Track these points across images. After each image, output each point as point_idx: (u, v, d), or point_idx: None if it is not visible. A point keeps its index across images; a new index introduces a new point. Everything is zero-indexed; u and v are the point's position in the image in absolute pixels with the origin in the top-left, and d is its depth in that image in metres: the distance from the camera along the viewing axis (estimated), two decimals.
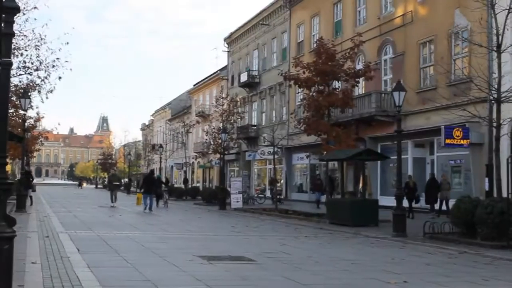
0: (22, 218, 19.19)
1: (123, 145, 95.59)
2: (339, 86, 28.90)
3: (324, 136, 26.82)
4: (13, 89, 26.62)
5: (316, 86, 26.92)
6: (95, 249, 12.67)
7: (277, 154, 37.07)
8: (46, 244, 12.87)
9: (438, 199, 25.16)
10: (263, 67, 49.98)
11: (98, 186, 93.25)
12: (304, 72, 27.17)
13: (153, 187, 30.88)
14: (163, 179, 42.28)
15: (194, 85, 72.97)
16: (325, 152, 27.05)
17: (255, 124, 50.66)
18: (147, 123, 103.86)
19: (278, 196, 34.95)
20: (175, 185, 60.00)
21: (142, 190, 31.54)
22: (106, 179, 51.61)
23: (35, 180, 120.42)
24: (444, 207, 24.48)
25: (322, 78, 26.44)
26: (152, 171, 35.92)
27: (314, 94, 27.05)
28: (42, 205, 31.85)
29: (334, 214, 22.78)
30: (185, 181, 61.92)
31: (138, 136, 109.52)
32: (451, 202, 20.45)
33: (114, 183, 34.69)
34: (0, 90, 6.37)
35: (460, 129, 24.50)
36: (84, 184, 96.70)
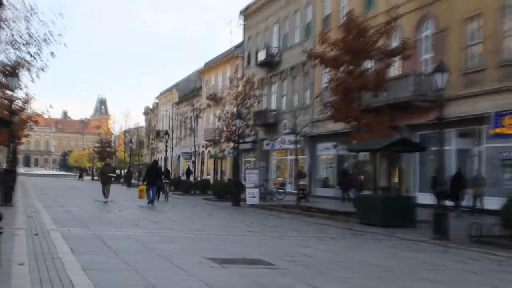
0: (9, 213, 19.27)
1: (124, 131, 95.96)
2: (371, 66, 28.69)
3: (354, 123, 26.68)
4: None
5: (345, 65, 26.77)
6: (91, 250, 12.67)
7: (299, 144, 36.96)
8: (35, 243, 12.90)
9: (466, 196, 25.33)
10: (284, 44, 49.80)
11: (95, 178, 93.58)
12: (331, 50, 27.01)
13: (157, 179, 32.07)
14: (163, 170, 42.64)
15: (205, 64, 73.03)
16: (354, 142, 26.91)
17: (275, 108, 50.57)
18: (151, 107, 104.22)
19: (303, 192, 34.89)
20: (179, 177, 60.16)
21: (145, 182, 32.11)
22: (98, 170, 51.71)
23: (23, 170, 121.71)
24: (478, 205, 24.54)
25: (352, 57, 26.27)
26: (155, 161, 36.24)
27: (342, 75, 26.90)
28: (31, 199, 32.03)
29: (365, 213, 22.69)
30: (188, 172, 62.04)
31: (140, 121, 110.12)
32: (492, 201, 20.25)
33: (109, 174, 33.17)
34: None
35: None
36: (85, 176, 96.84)
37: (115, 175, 35.65)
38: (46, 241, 13.45)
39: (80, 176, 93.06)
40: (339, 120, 27.48)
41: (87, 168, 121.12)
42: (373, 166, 26.97)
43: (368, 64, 28.44)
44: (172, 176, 60.52)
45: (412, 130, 32.05)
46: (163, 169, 43.15)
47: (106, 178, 32.55)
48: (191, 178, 56.44)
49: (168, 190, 37.32)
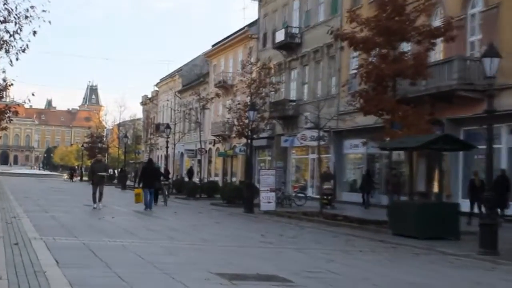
0: None
1: (118, 124, 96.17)
2: (408, 50, 28.59)
3: (388, 116, 26.63)
4: None
5: (377, 48, 26.71)
6: (80, 262, 12.75)
7: (323, 140, 36.91)
8: (15, 254, 12.97)
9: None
10: (306, 23, 49.76)
11: (84, 178, 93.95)
12: (361, 30, 26.95)
13: (154, 180, 32.60)
14: (162, 171, 43.01)
15: (213, 46, 73.03)
16: (387, 139, 26.86)
17: (294, 99, 50.55)
18: (149, 96, 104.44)
19: (327, 197, 34.89)
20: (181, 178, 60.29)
21: (141, 185, 32.44)
22: (89, 168, 51.46)
23: (0, 169, 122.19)
24: None
25: (386, 38, 26.21)
26: (150, 160, 36.62)
27: (374, 59, 26.84)
28: (9, 202, 32.21)
29: (399, 222, 22.65)
30: (190, 172, 62.09)
31: (137, 112, 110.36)
32: None
33: (100, 173, 31.51)
34: None
35: None
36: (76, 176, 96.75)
37: (107, 173, 34.75)
38: (28, 251, 13.53)
39: (71, 176, 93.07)
40: (370, 113, 27.41)
41: (75, 167, 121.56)
42: (409, 167, 26.94)
43: (405, 47, 28.34)
44: (174, 177, 60.74)
45: (456, 125, 31.94)
46: (162, 169, 43.45)
47: (98, 178, 31.19)
48: (196, 179, 56.56)
49: (167, 193, 37.88)
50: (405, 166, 32.14)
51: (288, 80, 52.11)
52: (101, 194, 30.58)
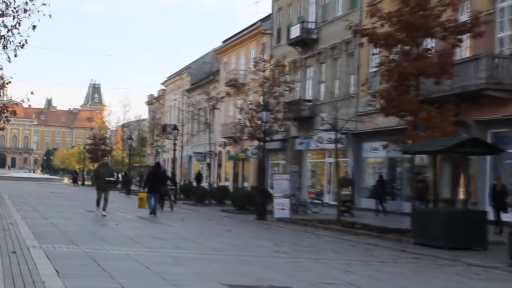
0: None
1: (122, 125, 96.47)
2: (433, 47, 28.51)
3: (410, 117, 26.57)
4: None
5: (400, 45, 26.66)
6: (81, 272, 12.77)
7: (340, 143, 36.91)
8: (12, 263, 12.99)
9: None
10: (323, 18, 49.74)
11: (86, 182, 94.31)
12: (382, 25, 26.90)
13: (160, 185, 33.17)
14: (169, 174, 43.37)
15: (224, 42, 73.13)
16: (410, 142, 26.79)
17: (310, 98, 50.51)
18: (156, 95, 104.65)
19: (346, 204, 34.86)
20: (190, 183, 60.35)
21: (146, 189, 32.71)
22: (92, 172, 51.15)
23: None
24: None
25: (409, 34, 26.16)
26: (158, 164, 36.87)
27: (396, 56, 26.79)
28: (6, 208, 32.31)
29: (422, 231, 22.61)
30: (199, 176, 62.17)
31: (143, 112, 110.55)
32: None
33: (106, 178, 30.68)
34: None
35: None
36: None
37: (114, 178, 34.11)
38: (26, 260, 13.54)
39: (75, 180, 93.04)
40: (391, 114, 27.34)
41: (76, 170, 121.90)
42: (433, 172, 26.86)
43: (429, 44, 28.25)
44: (181, 182, 60.85)
45: (483, 127, 31.82)
46: (169, 173, 43.69)
47: (102, 182, 30.50)
48: (205, 184, 56.63)
49: (173, 198, 38.56)
50: (428, 171, 32.02)
51: (303, 78, 52.07)
52: (106, 201, 30.06)
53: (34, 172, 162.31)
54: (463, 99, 31.45)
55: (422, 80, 26.95)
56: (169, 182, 38.85)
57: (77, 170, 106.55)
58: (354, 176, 42.04)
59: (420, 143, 25.53)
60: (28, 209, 32.23)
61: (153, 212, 31.60)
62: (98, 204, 30.07)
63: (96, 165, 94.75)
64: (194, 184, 59.58)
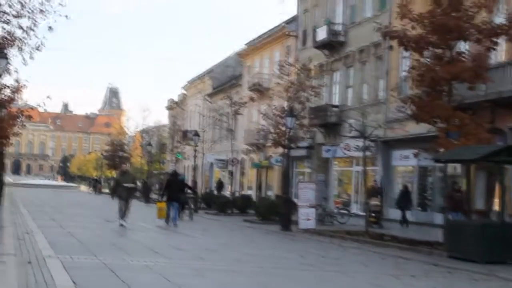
0: None
1: (141, 130, 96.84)
2: (467, 50, 28.36)
3: (442, 124, 26.45)
4: None
5: (431, 48, 26.56)
6: (100, 284, 12.80)
7: (369, 150, 36.80)
8: (28, 274, 13.04)
9: None
10: (350, 19, 49.68)
11: (104, 190, 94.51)
12: (413, 27, 26.81)
13: (179, 193, 33.53)
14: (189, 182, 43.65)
15: (247, 45, 73.18)
16: (442, 150, 26.67)
17: (337, 104, 50.42)
18: (176, 100, 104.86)
19: (375, 215, 34.72)
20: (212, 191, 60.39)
21: (164, 198, 33.48)
22: (112, 181, 50.96)
23: (11, 179, 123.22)
24: None
25: (442, 37, 26.05)
26: (175, 171, 37.08)
27: (428, 60, 26.70)
28: (21, 216, 32.50)
29: (456, 244, 22.47)
30: (219, 185, 62.17)
31: (163, 118, 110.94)
32: None
33: (126, 185, 29.99)
34: None
35: None
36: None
37: (135, 186, 32.96)
38: (42, 271, 13.59)
39: (96, 188, 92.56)
40: (423, 121, 27.24)
41: (95, 178, 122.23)
42: (466, 182, 26.69)
43: (463, 47, 28.11)
44: (203, 190, 60.94)
45: None
46: (189, 181, 43.91)
47: (124, 191, 29.87)
48: (227, 193, 56.64)
49: (193, 206, 39.07)
50: (461, 180, 31.83)
51: (330, 83, 52.00)
52: (127, 209, 29.70)
53: (56, 179, 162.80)
54: (499, 105, 31.30)
55: (455, 85, 26.80)
56: (188, 190, 39.13)
57: (98, 177, 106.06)
58: (383, 185, 41.90)
59: (453, 151, 25.38)
60: (44, 218, 32.39)
61: (169, 220, 32.10)
62: (121, 214, 29.60)
63: (115, 172, 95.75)
64: (215, 192, 59.65)
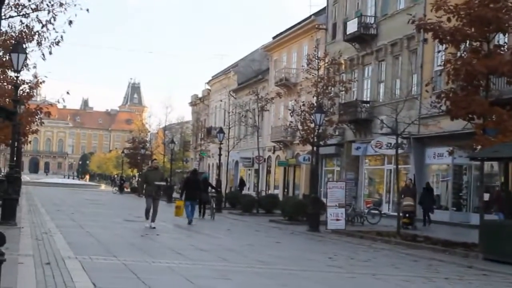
0: (11, 235, 19.70)
1: (163, 127, 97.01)
2: (505, 43, 28.22)
3: (479, 120, 26.32)
4: None
5: (468, 41, 26.43)
6: (120, 285, 12.88)
7: (401, 148, 36.69)
8: (46, 275, 13.16)
9: None
10: (382, 11, 49.56)
11: (126, 189, 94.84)
12: (449, 19, 26.68)
13: (197, 192, 34.17)
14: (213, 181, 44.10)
15: (274, 38, 73.18)
16: (479, 147, 26.54)
17: (368, 100, 50.33)
18: (200, 95, 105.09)
19: (409, 215, 34.61)
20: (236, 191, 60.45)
21: (183, 197, 34.09)
22: (140, 178, 49.88)
23: (29, 178, 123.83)
24: None
25: (479, 29, 25.92)
26: (195, 170, 37.66)
27: (464, 54, 26.58)
28: (39, 216, 32.70)
29: (492, 245, 22.37)
30: (241, 183, 62.21)
31: (186, 114, 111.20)
32: None
33: (155, 183, 29.15)
34: None
35: None
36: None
37: (164, 184, 32.00)
38: (61, 272, 13.71)
39: (120, 188, 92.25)
40: (458, 117, 27.11)
41: (115, 176, 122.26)
42: (504, 180, 26.55)
43: (501, 40, 27.97)
44: (227, 189, 61.05)
45: None
46: (213, 180, 44.24)
47: (153, 190, 29.10)
48: (253, 192, 56.66)
49: (214, 205, 39.58)
50: (499, 178, 31.70)
51: (361, 78, 51.93)
52: (155, 211, 28.77)
53: (80, 178, 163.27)
54: None
55: (493, 79, 26.69)
56: (210, 189, 40.42)
57: (123, 177, 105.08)
58: (415, 184, 41.75)
59: (490, 149, 25.25)
60: (63, 218, 32.59)
61: (191, 220, 32.70)
62: (147, 214, 28.83)
63: (135, 171, 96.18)
64: (236, 189, 59.81)
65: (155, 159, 35.45)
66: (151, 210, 28.57)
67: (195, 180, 35.09)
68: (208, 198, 38.55)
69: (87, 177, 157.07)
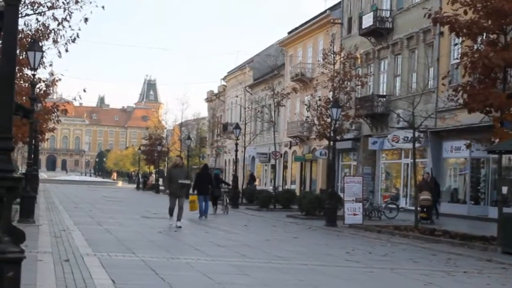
0: (29, 232, 19.78)
1: (179, 124, 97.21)
2: None
3: (497, 113, 26.22)
4: None
5: (485, 34, 26.33)
6: (139, 282, 12.90)
7: (418, 142, 36.63)
8: (65, 272, 13.21)
9: None
10: (398, 5, 49.44)
11: (141, 186, 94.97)
12: (466, 12, 26.58)
13: (209, 186, 34.87)
14: (224, 178, 44.61)
15: (289, 33, 73.15)
16: (497, 140, 26.46)
17: (384, 94, 50.25)
18: (216, 91, 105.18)
19: (426, 210, 34.49)
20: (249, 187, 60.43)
21: (195, 192, 34.87)
22: (165, 174, 49.01)
23: (47, 176, 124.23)
24: None
25: (496, 22, 25.79)
26: (206, 166, 38.68)
27: (481, 46, 26.48)
28: (57, 213, 32.85)
29: (511, 239, 22.29)
30: (252, 178, 62.24)
31: (202, 110, 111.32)
32: None
33: (181, 181, 28.30)
34: (5, 35, 6.54)
35: None
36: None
37: (189, 182, 30.28)
38: (80, 269, 13.76)
39: (144, 184, 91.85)
40: (475, 110, 26.97)
41: (131, 173, 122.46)
42: None
43: None
44: (244, 185, 61.12)
45: None
46: (229, 175, 44.63)
47: (177, 187, 28.17)
48: (269, 188, 56.61)
49: (228, 200, 40.41)
50: None
51: (377, 72, 51.84)
52: (181, 209, 27.90)
53: (84, 175, 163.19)
54: None
55: (510, 72, 26.58)
56: (222, 185, 41.27)
57: (146, 173, 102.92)
58: (434, 178, 41.62)
59: (508, 142, 25.16)
60: (81, 215, 32.69)
61: (203, 214, 33.80)
62: (171, 213, 28.31)
63: (152, 168, 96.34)
64: (259, 187, 59.81)
65: (180, 156, 34.66)
66: (176, 209, 27.86)
67: (206, 175, 35.77)
68: (220, 193, 39.32)
69: (115, 174, 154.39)
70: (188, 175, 30.05)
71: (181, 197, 27.96)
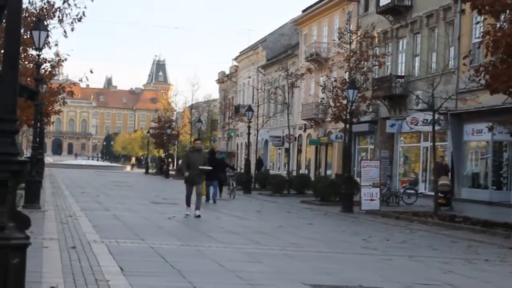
0: (35, 218, 19.87)
1: (190, 106, 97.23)
2: None
3: None
4: None
5: (508, 11, 26.22)
6: (148, 270, 12.93)
7: (438, 124, 36.56)
8: (72, 259, 13.26)
9: None
10: None
11: (151, 170, 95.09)
12: None
13: (217, 172, 35.24)
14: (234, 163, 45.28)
15: (304, 11, 72.96)
16: None
17: (403, 74, 50.11)
18: (227, 72, 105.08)
19: (445, 195, 34.43)
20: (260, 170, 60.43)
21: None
22: (181, 160, 48.28)
23: (52, 160, 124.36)
24: None
25: None
26: (213, 151, 39.52)
27: (504, 25, 26.37)
28: (64, 199, 32.96)
29: None
30: (259, 163, 62.28)
31: (213, 92, 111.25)
32: None
33: (201, 167, 26.59)
34: (9, 13, 6.55)
35: None
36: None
37: (209, 168, 28.22)
38: (87, 256, 13.82)
39: (161, 169, 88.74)
40: (498, 91, 26.90)
41: (141, 157, 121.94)
42: None
43: None
44: (256, 169, 61.27)
45: None
46: (241, 159, 45.29)
47: (195, 173, 26.43)
48: (283, 172, 56.62)
49: (234, 185, 41.16)
50: None
51: (395, 51, 51.67)
52: (199, 196, 26.74)
53: (92, 159, 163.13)
54: None
55: None
56: (228, 169, 42.33)
57: (163, 158, 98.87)
58: (453, 163, 41.54)
59: None
60: (88, 200, 32.82)
61: (213, 199, 34.78)
62: (188, 203, 26.51)
63: (161, 152, 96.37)
64: (272, 171, 59.86)
65: (198, 139, 32.76)
66: (193, 197, 26.38)
67: (213, 159, 35.80)
68: (226, 178, 40.21)
69: (133, 159, 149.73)
70: (206, 161, 27.57)
71: (198, 184, 26.72)
